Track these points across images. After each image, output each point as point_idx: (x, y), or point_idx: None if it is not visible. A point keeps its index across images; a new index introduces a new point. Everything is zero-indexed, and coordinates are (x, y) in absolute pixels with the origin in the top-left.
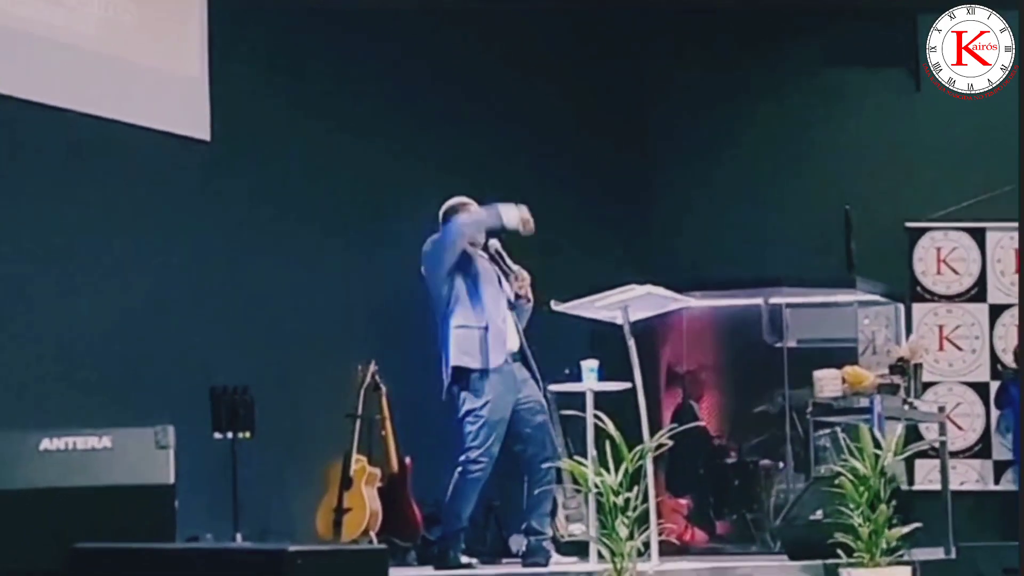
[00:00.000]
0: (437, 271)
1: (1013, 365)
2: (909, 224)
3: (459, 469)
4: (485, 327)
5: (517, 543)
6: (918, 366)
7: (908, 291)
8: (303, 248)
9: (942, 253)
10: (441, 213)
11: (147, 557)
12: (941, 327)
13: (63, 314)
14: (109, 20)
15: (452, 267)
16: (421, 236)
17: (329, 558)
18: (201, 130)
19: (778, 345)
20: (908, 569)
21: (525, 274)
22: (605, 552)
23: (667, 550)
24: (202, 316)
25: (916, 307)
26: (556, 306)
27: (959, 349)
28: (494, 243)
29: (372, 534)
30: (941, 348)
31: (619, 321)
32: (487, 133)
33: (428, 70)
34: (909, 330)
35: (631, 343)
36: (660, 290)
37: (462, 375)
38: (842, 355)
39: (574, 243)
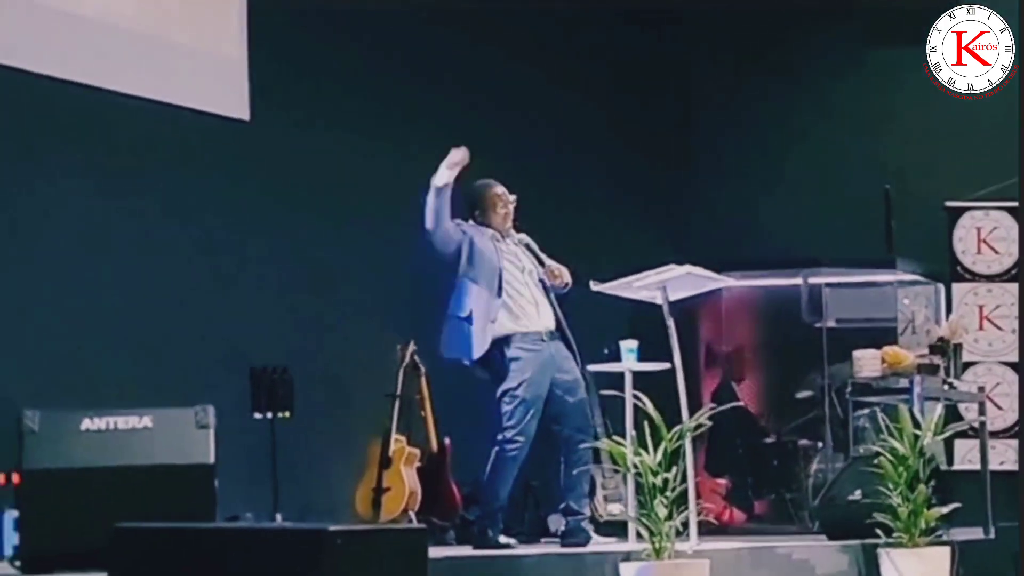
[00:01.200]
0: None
1: None
2: (949, 203)
3: (496, 449)
4: (468, 317)
5: (556, 523)
6: (958, 346)
7: (948, 271)
8: (343, 227)
9: (982, 232)
10: (474, 201)
11: (188, 536)
12: (981, 307)
13: (103, 295)
14: (148, 0)
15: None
16: (462, 215)
17: (368, 537)
18: (240, 110)
19: (817, 325)
20: (947, 549)
21: (556, 266)
22: (644, 532)
23: (706, 530)
24: (242, 296)
25: (956, 287)
26: (595, 286)
27: (999, 329)
28: (524, 237)
29: (411, 514)
30: (981, 328)
31: (658, 301)
32: (525, 113)
33: (466, 44)
34: (949, 310)
35: (670, 323)
36: (699, 270)
37: (490, 357)
38: (881, 335)
39: (613, 223)
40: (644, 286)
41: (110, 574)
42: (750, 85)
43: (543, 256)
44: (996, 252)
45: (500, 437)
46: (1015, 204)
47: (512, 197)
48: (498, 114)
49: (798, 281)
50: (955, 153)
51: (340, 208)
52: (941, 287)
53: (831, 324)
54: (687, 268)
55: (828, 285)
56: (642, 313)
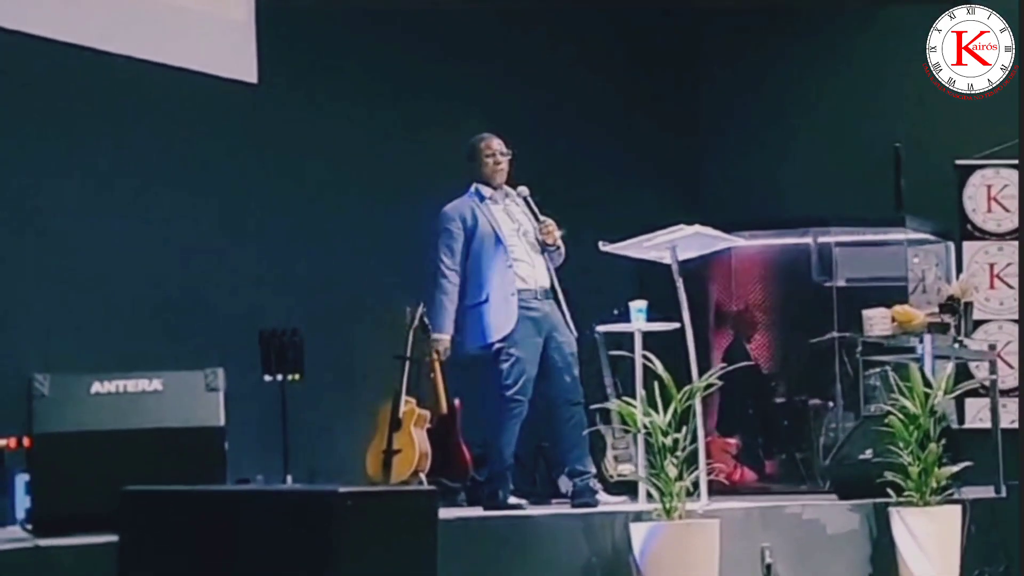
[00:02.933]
0: None
1: None
2: (959, 161)
3: (496, 409)
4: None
5: (567, 484)
6: (968, 304)
7: (958, 229)
8: (352, 189)
9: (992, 191)
10: (467, 154)
11: (198, 499)
12: (992, 265)
13: (112, 258)
14: None
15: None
16: (471, 179)
17: (379, 499)
18: (248, 73)
19: (827, 284)
20: (958, 508)
21: (550, 222)
22: (654, 492)
23: (716, 490)
24: (251, 259)
25: (966, 245)
26: (604, 246)
27: (1010, 287)
28: (523, 190)
29: (422, 475)
30: (992, 286)
31: (667, 261)
32: (532, 73)
33: (477, 12)
34: (959, 268)
35: (679, 283)
36: (708, 230)
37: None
38: (892, 294)
39: (622, 183)
40: (653, 246)
41: (120, 537)
42: (760, 46)
43: (536, 210)
44: (1006, 210)
45: (500, 396)
46: None
47: (507, 151)
48: (507, 80)
49: (808, 240)
50: (965, 111)
51: (349, 170)
52: (951, 245)
53: (841, 283)
54: (696, 228)
55: (838, 244)
56: (651, 273)
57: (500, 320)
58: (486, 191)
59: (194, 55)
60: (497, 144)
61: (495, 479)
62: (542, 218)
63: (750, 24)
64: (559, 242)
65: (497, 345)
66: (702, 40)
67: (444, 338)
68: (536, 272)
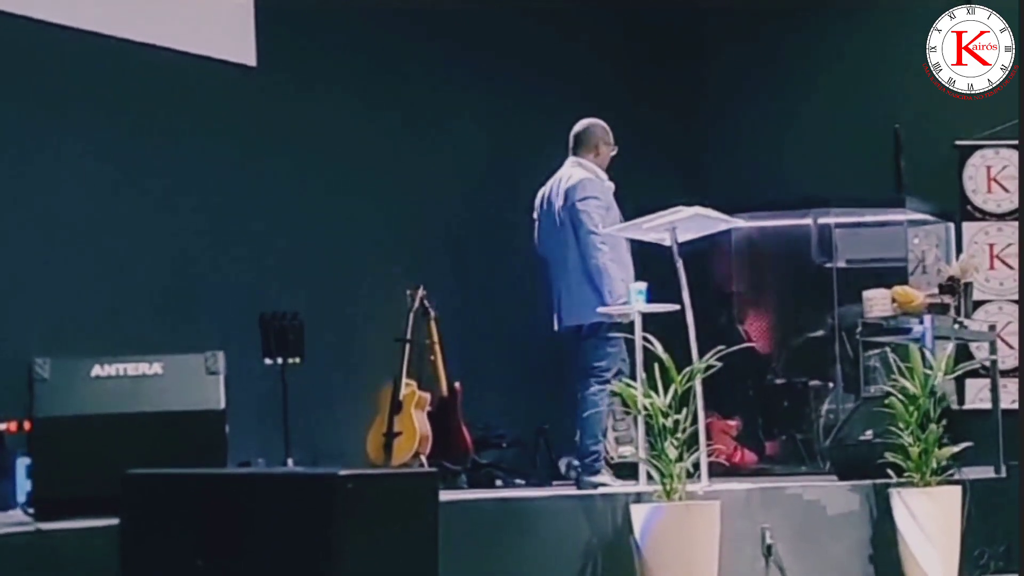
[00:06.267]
0: None
1: None
2: (959, 142)
3: (588, 387)
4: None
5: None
6: (968, 285)
7: (958, 210)
8: (352, 173)
9: (992, 171)
10: (591, 138)
11: (199, 482)
12: (991, 246)
13: (112, 242)
14: None
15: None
16: (468, 161)
17: (380, 481)
18: (247, 56)
19: (827, 265)
20: (958, 488)
21: None
22: (655, 473)
23: (716, 471)
24: (251, 242)
25: (966, 226)
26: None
27: (1010, 268)
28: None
29: (422, 458)
30: (992, 267)
31: (667, 243)
32: (533, 57)
33: None
34: (959, 249)
35: (679, 264)
36: (708, 211)
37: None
38: (892, 275)
39: (622, 165)
40: (653, 228)
41: (121, 520)
42: (761, 25)
43: None
44: (1006, 190)
45: (594, 376)
46: None
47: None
48: (507, 65)
49: (808, 221)
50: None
51: (349, 154)
52: (951, 226)
53: (841, 264)
54: (696, 209)
55: (838, 225)
56: (651, 255)
57: (619, 292)
58: (607, 178)
59: (193, 38)
60: (610, 134)
61: (589, 457)
62: None
63: (751, 6)
64: None
65: (607, 325)
66: (704, 22)
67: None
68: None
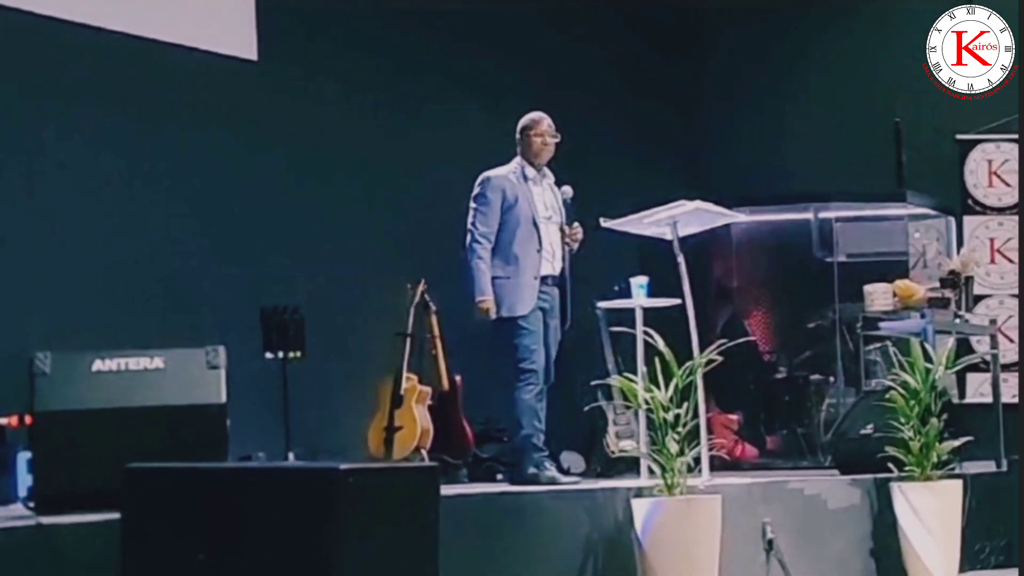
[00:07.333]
0: None
1: None
2: (960, 136)
3: (511, 381)
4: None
5: (568, 459)
6: (969, 279)
7: (959, 204)
8: (353, 167)
9: (993, 165)
10: (518, 129)
11: (200, 476)
12: (992, 240)
13: (113, 237)
14: None
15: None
16: (470, 155)
17: (381, 476)
18: (248, 50)
19: (828, 260)
20: (959, 482)
21: (579, 229)
22: (655, 468)
23: (717, 465)
24: (252, 237)
25: (967, 220)
26: (605, 223)
27: (1010, 262)
28: (568, 191)
29: (423, 452)
30: (992, 261)
31: (668, 237)
32: (532, 51)
33: None
34: (960, 243)
35: (680, 259)
36: (709, 206)
37: None
38: (893, 269)
39: (623, 160)
40: (654, 222)
41: (122, 514)
42: (760, 21)
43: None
44: (1007, 185)
45: (514, 369)
46: None
47: (555, 134)
48: (507, 58)
49: (809, 216)
50: None
51: (350, 148)
52: (952, 220)
53: (842, 259)
54: (697, 203)
55: (839, 219)
56: (652, 249)
57: (519, 300)
58: (529, 171)
59: (194, 32)
60: (548, 125)
61: (518, 453)
62: (576, 225)
63: (752, 2)
64: (574, 245)
65: (509, 322)
66: (704, 17)
67: (488, 299)
68: (555, 261)
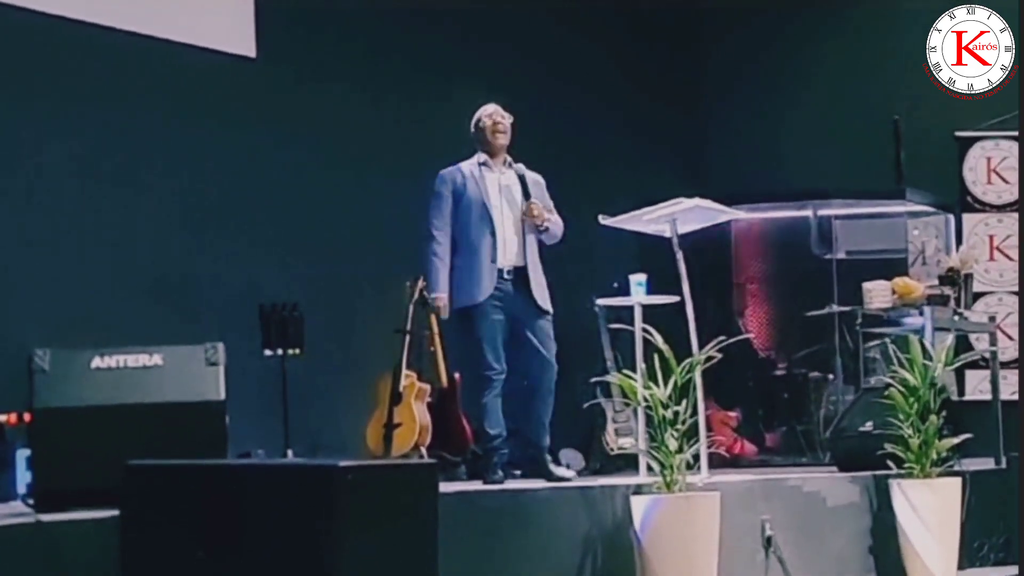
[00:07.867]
0: None
1: None
2: (959, 133)
3: (473, 382)
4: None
5: (566, 457)
6: (968, 276)
7: (958, 201)
8: (351, 164)
9: (992, 162)
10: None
11: (199, 473)
12: (991, 237)
13: (112, 233)
14: None
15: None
16: (470, 153)
17: (379, 472)
18: (246, 47)
19: (827, 257)
20: (958, 480)
21: (535, 204)
22: (654, 465)
23: (717, 462)
24: (251, 233)
25: (966, 217)
26: (604, 220)
27: (1010, 259)
28: (520, 167)
29: (422, 449)
30: (992, 258)
31: (667, 234)
32: (533, 47)
33: None
34: (959, 240)
35: (679, 256)
36: (708, 203)
37: None
38: (892, 266)
39: (622, 157)
40: (653, 219)
41: (122, 511)
42: (760, 18)
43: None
44: (1006, 182)
45: (473, 370)
46: None
47: (505, 116)
48: (508, 54)
49: (808, 213)
50: None
51: (349, 144)
52: (951, 217)
53: (841, 256)
54: (696, 201)
55: (838, 217)
56: (651, 247)
57: (477, 285)
58: (483, 158)
59: (193, 29)
60: (493, 109)
61: (484, 455)
62: (533, 200)
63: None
64: (547, 223)
65: (465, 315)
66: (704, 14)
67: (441, 296)
68: (507, 249)
